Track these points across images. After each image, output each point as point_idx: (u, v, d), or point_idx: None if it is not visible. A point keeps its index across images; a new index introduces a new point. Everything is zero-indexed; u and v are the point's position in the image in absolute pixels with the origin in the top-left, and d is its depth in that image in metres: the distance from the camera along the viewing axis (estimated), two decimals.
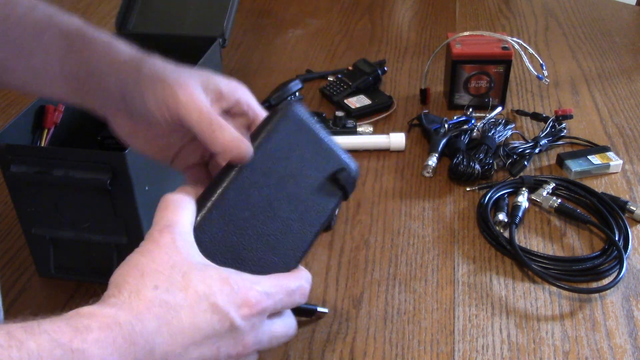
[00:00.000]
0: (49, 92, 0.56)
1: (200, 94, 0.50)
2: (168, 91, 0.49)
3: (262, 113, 0.54)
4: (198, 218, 0.48)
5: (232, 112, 0.53)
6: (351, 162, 0.54)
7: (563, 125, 1.04)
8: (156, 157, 0.56)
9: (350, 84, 1.15)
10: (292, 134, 0.52)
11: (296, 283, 0.49)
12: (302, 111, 0.53)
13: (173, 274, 0.43)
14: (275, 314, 0.48)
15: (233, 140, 0.49)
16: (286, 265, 0.51)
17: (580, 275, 0.77)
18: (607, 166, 0.95)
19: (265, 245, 0.50)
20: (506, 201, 0.88)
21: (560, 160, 0.97)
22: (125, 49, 0.53)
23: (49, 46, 0.53)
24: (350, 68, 1.19)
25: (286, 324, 0.49)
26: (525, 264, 0.77)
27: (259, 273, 0.48)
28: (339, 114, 1.06)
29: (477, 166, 0.92)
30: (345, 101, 1.11)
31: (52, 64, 0.53)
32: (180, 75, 0.50)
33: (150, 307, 0.41)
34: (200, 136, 0.49)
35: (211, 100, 0.51)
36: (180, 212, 0.47)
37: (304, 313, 0.72)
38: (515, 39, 1.08)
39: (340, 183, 0.53)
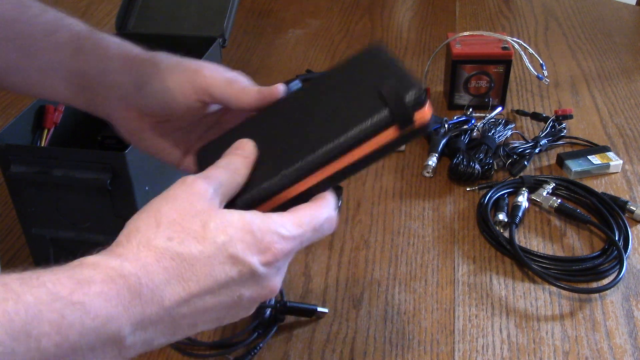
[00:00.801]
0: (54, 92, 0.56)
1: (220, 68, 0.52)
2: (191, 70, 0.51)
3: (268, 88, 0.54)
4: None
5: None
6: (415, 82, 0.45)
7: (563, 125, 1.04)
8: (163, 156, 0.56)
9: None
10: (365, 59, 0.48)
11: (324, 215, 0.46)
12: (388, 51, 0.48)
13: (192, 224, 0.41)
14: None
15: (264, 88, 0.51)
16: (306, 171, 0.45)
17: (580, 275, 0.77)
18: (607, 166, 0.95)
19: (283, 149, 0.46)
20: (506, 201, 0.88)
21: (560, 160, 0.97)
22: (136, 47, 0.55)
23: (59, 45, 0.54)
24: None
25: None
26: (525, 264, 0.77)
27: (278, 178, 0.45)
28: None
29: (477, 166, 0.92)
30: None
31: (61, 63, 0.54)
32: (197, 61, 0.53)
33: (160, 259, 0.39)
34: (230, 97, 0.51)
35: None
36: (225, 172, 0.45)
37: (304, 313, 0.72)
38: (515, 39, 1.08)
39: (382, 94, 0.43)
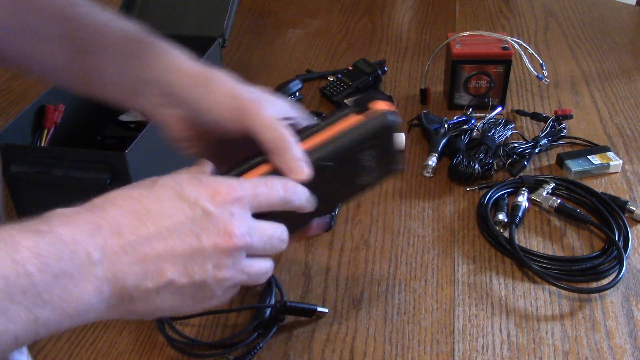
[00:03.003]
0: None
1: (274, 113, 0.51)
2: (244, 106, 0.51)
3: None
4: None
5: None
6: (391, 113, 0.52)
7: (563, 125, 1.04)
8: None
9: (350, 84, 1.15)
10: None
11: (279, 179, 0.48)
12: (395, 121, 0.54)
13: (144, 181, 0.45)
14: (263, 216, 0.47)
15: (297, 167, 0.49)
16: None
17: (580, 275, 0.77)
18: (607, 166, 0.95)
19: None
20: (506, 201, 0.88)
21: (560, 160, 0.97)
22: (184, 59, 0.55)
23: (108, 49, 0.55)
24: (350, 68, 1.19)
25: (275, 226, 0.48)
26: (525, 264, 0.77)
27: None
28: None
29: (477, 166, 0.92)
30: (345, 101, 1.11)
31: (106, 68, 0.55)
32: (252, 93, 0.53)
33: (112, 200, 0.43)
34: (269, 153, 0.50)
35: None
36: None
37: (304, 313, 0.72)
38: (515, 39, 1.08)
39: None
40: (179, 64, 0.54)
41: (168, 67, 0.54)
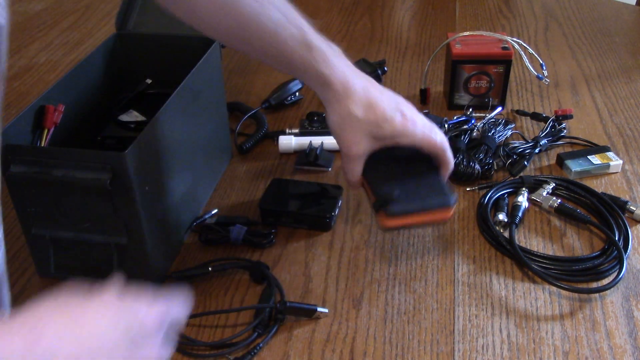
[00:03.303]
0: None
1: (360, 166, 0.69)
2: (340, 138, 0.68)
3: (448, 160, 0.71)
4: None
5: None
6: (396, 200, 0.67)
7: (563, 125, 1.04)
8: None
9: None
10: None
11: (180, 306, 0.49)
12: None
13: (77, 289, 0.43)
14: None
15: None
16: None
17: (580, 275, 0.77)
18: (607, 166, 0.95)
19: None
20: (506, 201, 0.88)
21: (560, 160, 0.97)
22: (332, 69, 0.70)
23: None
24: None
25: (167, 349, 0.49)
26: (525, 264, 0.77)
27: None
28: None
29: (477, 166, 0.92)
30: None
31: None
32: (348, 127, 0.67)
33: (49, 317, 0.41)
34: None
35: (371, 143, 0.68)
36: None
37: (304, 313, 0.72)
38: (515, 39, 1.08)
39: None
40: (324, 76, 0.68)
41: (317, 80, 0.69)
